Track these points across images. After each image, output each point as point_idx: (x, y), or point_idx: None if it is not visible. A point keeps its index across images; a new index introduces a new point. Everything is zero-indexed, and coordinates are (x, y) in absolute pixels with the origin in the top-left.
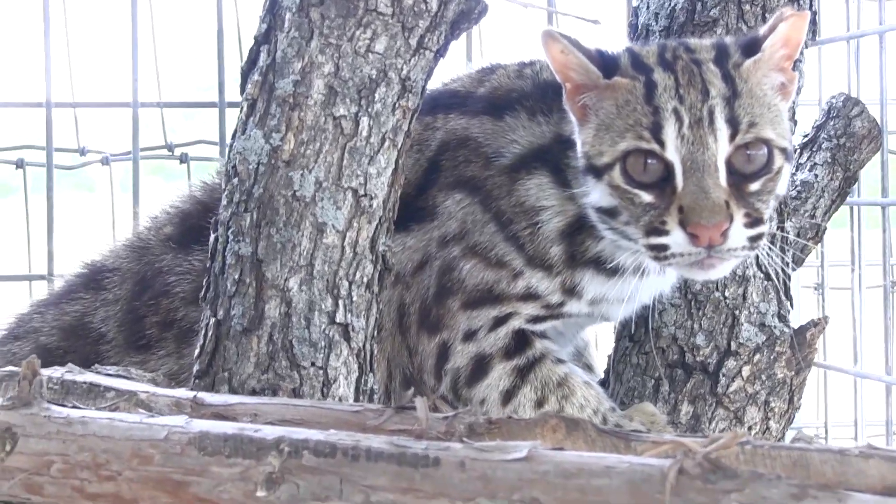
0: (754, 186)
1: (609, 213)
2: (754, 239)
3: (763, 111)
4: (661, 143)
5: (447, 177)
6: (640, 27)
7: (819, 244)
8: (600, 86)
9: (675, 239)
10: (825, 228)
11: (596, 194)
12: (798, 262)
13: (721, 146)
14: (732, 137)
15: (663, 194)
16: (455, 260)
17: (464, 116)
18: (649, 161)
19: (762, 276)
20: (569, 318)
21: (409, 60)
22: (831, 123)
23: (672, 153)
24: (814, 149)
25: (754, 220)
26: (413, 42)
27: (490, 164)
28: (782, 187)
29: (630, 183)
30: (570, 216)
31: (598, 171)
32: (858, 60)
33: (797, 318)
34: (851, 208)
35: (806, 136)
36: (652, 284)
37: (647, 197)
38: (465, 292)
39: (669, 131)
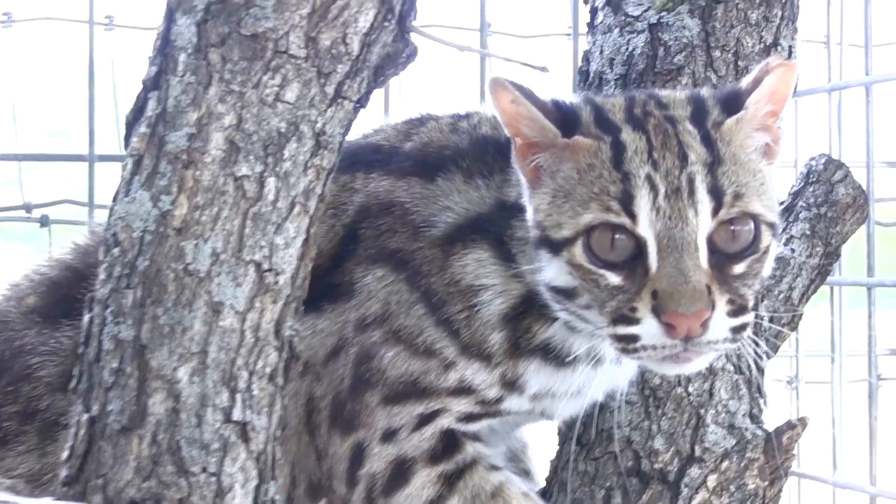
0: (739, 268)
1: (567, 294)
2: (737, 330)
3: (748, 179)
4: (633, 217)
5: (368, 248)
6: (591, 75)
7: (794, 330)
8: (558, 145)
9: (648, 329)
10: (802, 313)
11: (551, 271)
12: (772, 351)
13: (703, 221)
14: (716, 211)
15: (634, 276)
16: (375, 346)
17: (388, 177)
18: (618, 237)
19: (732, 368)
20: (506, 415)
21: (325, 111)
22: (810, 190)
23: (645, 228)
24: (790, 219)
25: (738, 308)
26: (330, 90)
27: (419, 234)
28: (768, 269)
29: (594, 262)
30: (515, 297)
31: (554, 246)
32: (840, 116)
33: (768, 418)
34: (832, 289)
35: (781, 203)
36: (606, 376)
37: (614, 279)
38: (385, 385)
39: (642, 202)
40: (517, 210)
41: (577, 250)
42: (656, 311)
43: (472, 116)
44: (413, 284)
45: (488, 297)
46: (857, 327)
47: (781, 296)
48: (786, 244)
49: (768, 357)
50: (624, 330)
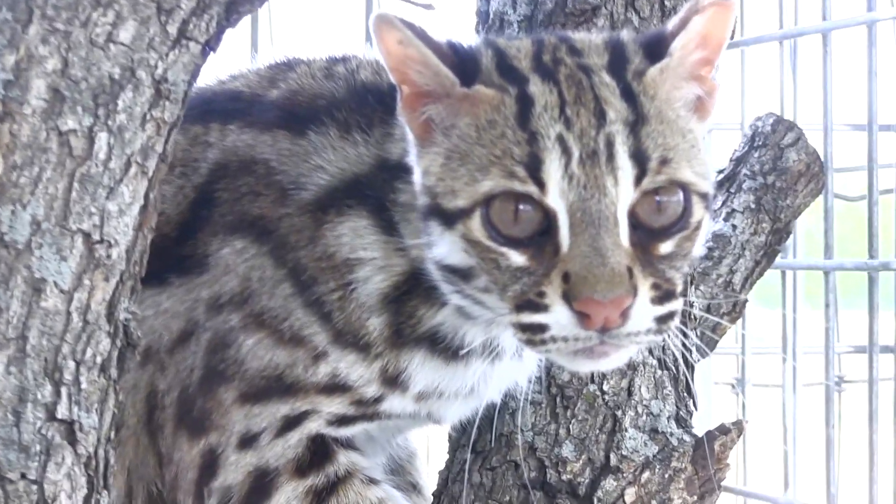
0: (666, 247)
1: (461, 274)
2: (663, 319)
3: (677, 141)
4: (541, 185)
5: (224, 214)
6: (491, 16)
7: (737, 322)
8: (454, 95)
9: (558, 318)
10: (745, 301)
11: (443, 247)
12: (709, 346)
13: (623, 191)
14: (639, 179)
15: (542, 255)
16: (232, 332)
17: (249, 129)
18: (523, 208)
19: (655, 363)
20: (387, 419)
21: (167, 55)
22: (756, 155)
23: (556, 199)
24: (731, 189)
25: (665, 294)
26: (172, 30)
27: (286, 198)
28: (699, 247)
29: (495, 238)
30: (398, 274)
31: (447, 217)
32: (795, 69)
33: (704, 424)
34: (784, 273)
35: (721, 171)
36: (505, 373)
37: (518, 258)
38: (244, 379)
39: (552, 168)
40: (402, 171)
41: (475, 223)
42: (568, 298)
43: (349, 60)
44: (278, 258)
45: (366, 274)
46: (814, 321)
47: (720, 280)
48: (726, 219)
49: (702, 353)
50: (529, 318)
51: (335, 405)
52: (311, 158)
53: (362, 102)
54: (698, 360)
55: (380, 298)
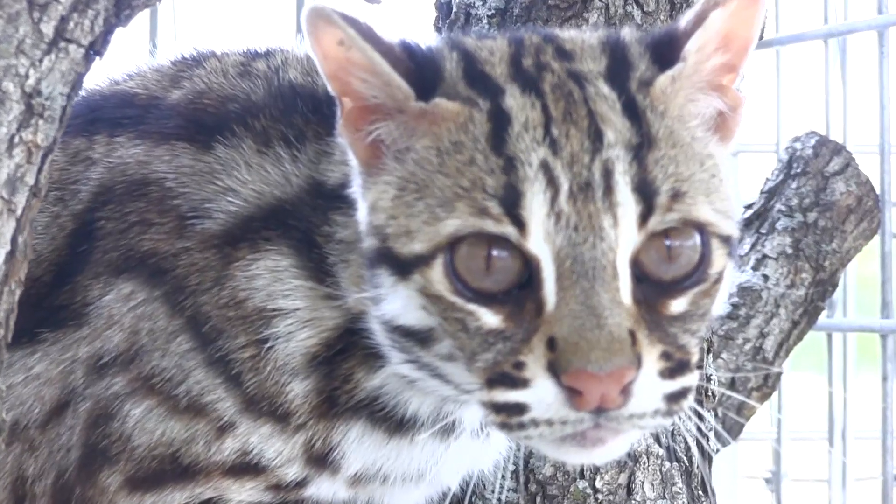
0: (678, 306)
1: (418, 338)
2: (675, 398)
3: (693, 170)
4: (520, 225)
5: (108, 250)
6: (454, 9)
7: (770, 400)
8: (409, 111)
9: (541, 396)
10: (780, 373)
11: (395, 303)
12: (732, 431)
13: (625, 234)
14: (644, 218)
15: (521, 315)
16: (117, 400)
17: (142, 142)
18: (497, 254)
19: (661, 453)
20: None
21: (41, 61)
22: (793, 185)
23: (539, 243)
24: (763, 230)
25: (677, 365)
26: (48, 29)
27: (186, 229)
28: (720, 305)
29: (461, 292)
30: (330, 329)
31: (401, 265)
32: (845, 73)
33: None
34: (829, 337)
35: (749, 206)
36: (463, 453)
37: (490, 319)
38: (131, 460)
39: (535, 203)
40: (340, 199)
41: (436, 274)
42: (554, 370)
43: (273, 55)
44: (174, 305)
45: (287, 329)
46: (869, 395)
47: (748, 346)
48: (755, 268)
49: (723, 441)
50: (504, 396)
51: (246, 491)
52: (218, 178)
53: (289, 109)
54: (718, 450)
55: (305, 359)
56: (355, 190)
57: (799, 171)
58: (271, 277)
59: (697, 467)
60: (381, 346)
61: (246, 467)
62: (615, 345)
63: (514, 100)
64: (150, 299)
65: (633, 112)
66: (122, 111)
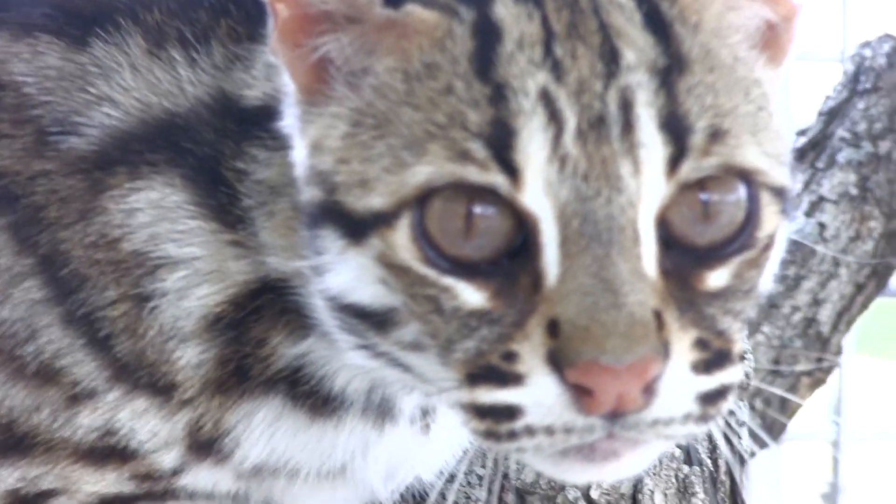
0: (717, 279)
1: (376, 320)
2: (711, 399)
3: (736, 101)
4: (513, 173)
5: None
6: None
7: (822, 386)
8: (370, 21)
9: (539, 395)
10: (838, 355)
11: (344, 275)
12: (773, 430)
13: (649, 184)
14: (674, 163)
15: (513, 291)
16: None
17: None
18: (482, 212)
19: (678, 455)
20: (187, 502)
21: None
22: (861, 106)
23: (538, 196)
24: (819, 164)
25: (715, 357)
26: None
27: (46, 146)
28: (770, 277)
29: (435, 262)
30: (239, 285)
31: (353, 225)
32: None
33: None
34: None
35: (803, 133)
36: (398, 449)
37: (473, 296)
38: None
39: (533, 145)
40: (260, 127)
41: (400, 237)
42: (557, 362)
43: None
44: (24, 239)
45: (179, 283)
46: None
47: (797, 317)
48: (809, 214)
49: (759, 441)
50: (491, 396)
51: (104, 481)
52: (93, 84)
53: (192, 0)
54: (754, 453)
55: (204, 323)
56: (290, 123)
57: (869, 86)
58: (156, 214)
59: (725, 474)
60: (321, 325)
61: (109, 452)
62: (637, 329)
63: (506, 9)
64: None
65: (657, 25)
66: None
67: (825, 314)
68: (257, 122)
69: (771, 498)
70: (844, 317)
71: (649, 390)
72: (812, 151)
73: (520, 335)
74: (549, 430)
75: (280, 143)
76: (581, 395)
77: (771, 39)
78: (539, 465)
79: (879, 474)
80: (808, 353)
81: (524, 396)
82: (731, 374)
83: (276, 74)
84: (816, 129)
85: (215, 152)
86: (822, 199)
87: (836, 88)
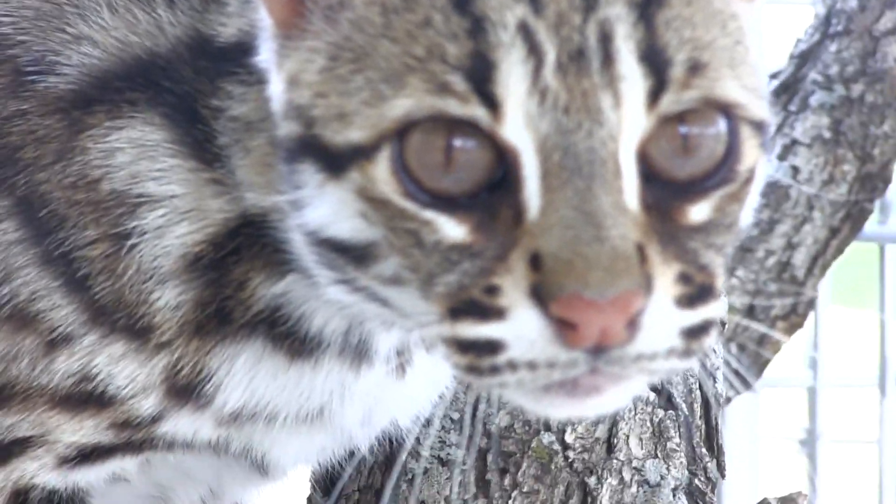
0: (699, 212)
1: (355, 254)
2: (694, 333)
3: (714, 34)
4: (493, 105)
5: None
6: None
7: (798, 331)
8: None
9: (521, 329)
10: (814, 298)
11: (323, 209)
12: (751, 372)
13: (630, 117)
14: (654, 96)
15: (493, 224)
16: None
17: None
18: (462, 145)
19: (652, 398)
20: (164, 451)
21: None
22: (833, 48)
23: (518, 129)
24: (791, 107)
25: (698, 291)
26: None
27: (22, 86)
28: (750, 212)
29: (415, 195)
30: (218, 224)
31: (332, 159)
32: None
33: (742, 500)
34: (882, 250)
35: (774, 76)
36: (373, 392)
37: (453, 230)
38: None
39: (513, 77)
40: (234, 63)
41: (380, 170)
42: (539, 296)
43: None
44: (1, 181)
45: (158, 221)
46: None
47: (771, 261)
48: (782, 157)
49: (739, 384)
50: (474, 331)
51: (82, 430)
52: (70, 23)
53: None
54: (730, 398)
55: (183, 262)
56: (266, 57)
57: (840, 29)
58: (136, 153)
59: (701, 418)
60: (299, 260)
61: (87, 398)
62: (619, 263)
63: None
64: None
65: None
66: None
67: (800, 258)
68: (233, 59)
69: (747, 444)
70: (819, 261)
71: (633, 324)
72: (784, 94)
73: (501, 269)
74: (532, 365)
75: (256, 79)
76: (564, 328)
77: None
78: (521, 401)
79: (855, 421)
80: (784, 299)
81: (506, 330)
82: (712, 309)
83: (251, 9)
84: (788, 71)
85: (193, 91)
86: (794, 142)
87: (807, 31)
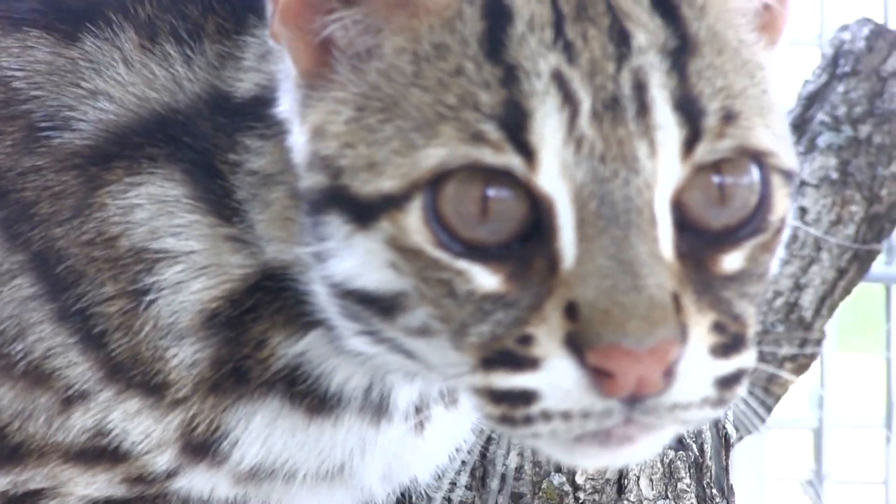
0: (732, 262)
1: (382, 305)
2: (728, 383)
3: (745, 83)
4: (529, 154)
5: None
6: None
7: (805, 372)
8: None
9: (557, 379)
10: (822, 339)
11: (350, 260)
12: (755, 415)
13: (665, 166)
14: (689, 146)
15: (528, 274)
16: None
17: None
18: (497, 195)
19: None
20: None
21: None
22: (840, 89)
23: (553, 178)
24: (799, 147)
25: (732, 340)
26: None
27: (37, 142)
28: (777, 261)
29: (448, 245)
30: (236, 280)
31: (361, 210)
32: None
33: None
34: (888, 290)
35: None
36: (393, 448)
37: (487, 280)
38: None
39: (548, 126)
40: (254, 116)
41: (412, 220)
42: (576, 345)
43: None
44: (15, 236)
45: (176, 276)
46: None
47: (779, 302)
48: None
49: (746, 426)
50: (507, 381)
51: (95, 483)
52: (86, 79)
53: None
54: (740, 438)
55: (199, 318)
56: (287, 108)
57: (848, 70)
58: (156, 209)
59: (711, 459)
60: (321, 312)
61: (101, 453)
62: (657, 312)
63: None
64: None
65: (665, 7)
66: None
67: (807, 299)
68: (250, 113)
69: (754, 484)
70: (827, 301)
71: (669, 374)
72: (792, 135)
73: (536, 318)
74: (567, 415)
75: (274, 131)
76: (601, 378)
77: (769, 21)
78: (552, 451)
79: (860, 462)
80: (792, 339)
81: (541, 380)
82: (746, 359)
83: (272, 61)
84: (796, 112)
85: (212, 146)
86: (803, 183)
87: (815, 72)
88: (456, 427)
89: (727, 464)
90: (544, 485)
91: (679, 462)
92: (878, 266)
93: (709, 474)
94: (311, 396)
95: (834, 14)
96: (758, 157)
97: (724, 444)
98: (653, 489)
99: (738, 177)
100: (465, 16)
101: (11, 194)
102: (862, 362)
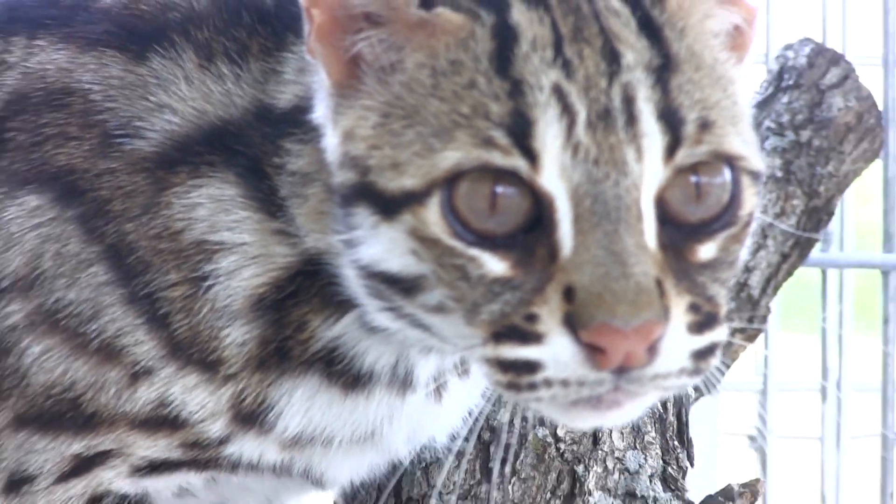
0: (707, 251)
1: (404, 286)
2: (702, 355)
3: (718, 96)
4: (532, 157)
5: (16, 161)
6: None
7: (754, 341)
8: (403, 20)
9: (556, 353)
10: (767, 313)
11: (376, 247)
12: (713, 377)
13: (650, 168)
14: (671, 151)
15: (531, 261)
16: (14, 332)
17: (66, 46)
18: (504, 192)
19: None
20: (228, 470)
21: None
22: (784, 100)
23: (553, 179)
24: None
25: (706, 319)
26: None
27: (111, 148)
28: (745, 250)
29: (462, 235)
30: (281, 269)
31: (386, 203)
32: None
33: (704, 486)
34: (824, 274)
35: None
36: (417, 415)
37: (496, 265)
38: (24, 397)
39: (549, 133)
40: (293, 124)
41: (431, 213)
42: (572, 323)
43: None
44: (91, 230)
45: (230, 265)
46: (868, 343)
47: (732, 283)
48: None
49: (704, 387)
50: (514, 352)
51: (156, 447)
52: (153, 93)
53: (234, 21)
54: (697, 398)
55: (249, 301)
56: (321, 114)
57: (791, 83)
58: (214, 207)
59: (674, 415)
60: (350, 291)
61: (162, 421)
62: (643, 296)
63: (521, 14)
64: (59, 219)
65: (650, 29)
66: (44, 11)
67: (755, 279)
68: (290, 120)
69: (709, 438)
70: (772, 282)
71: (652, 349)
72: None
73: (539, 299)
74: (565, 383)
75: (311, 135)
76: (594, 352)
77: (738, 40)
78: (551, 413)
79: (799, 420)
80: (741, 314)
81: (543, 353)
82: (718, 334)
83: (308, 73)
84: None
85: (259, 152)
86: None
87: (762, 85)
88: (468, 394)
89: (686, 420)
90: (530, 437)
91: (646, 418)
92: (815, 253)
93: (671, 429)
94: (347, 375)
95: (779, 35)
96: (730, 161)
97: (684, 402)
98: (623, 441)
99: (712, 177)
100: (477, 36)
101: (89, 193)
102: (800, 334)
